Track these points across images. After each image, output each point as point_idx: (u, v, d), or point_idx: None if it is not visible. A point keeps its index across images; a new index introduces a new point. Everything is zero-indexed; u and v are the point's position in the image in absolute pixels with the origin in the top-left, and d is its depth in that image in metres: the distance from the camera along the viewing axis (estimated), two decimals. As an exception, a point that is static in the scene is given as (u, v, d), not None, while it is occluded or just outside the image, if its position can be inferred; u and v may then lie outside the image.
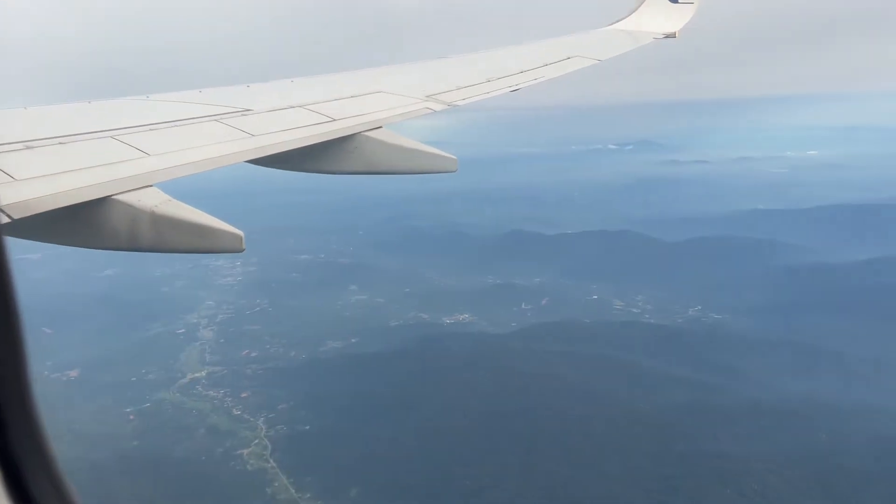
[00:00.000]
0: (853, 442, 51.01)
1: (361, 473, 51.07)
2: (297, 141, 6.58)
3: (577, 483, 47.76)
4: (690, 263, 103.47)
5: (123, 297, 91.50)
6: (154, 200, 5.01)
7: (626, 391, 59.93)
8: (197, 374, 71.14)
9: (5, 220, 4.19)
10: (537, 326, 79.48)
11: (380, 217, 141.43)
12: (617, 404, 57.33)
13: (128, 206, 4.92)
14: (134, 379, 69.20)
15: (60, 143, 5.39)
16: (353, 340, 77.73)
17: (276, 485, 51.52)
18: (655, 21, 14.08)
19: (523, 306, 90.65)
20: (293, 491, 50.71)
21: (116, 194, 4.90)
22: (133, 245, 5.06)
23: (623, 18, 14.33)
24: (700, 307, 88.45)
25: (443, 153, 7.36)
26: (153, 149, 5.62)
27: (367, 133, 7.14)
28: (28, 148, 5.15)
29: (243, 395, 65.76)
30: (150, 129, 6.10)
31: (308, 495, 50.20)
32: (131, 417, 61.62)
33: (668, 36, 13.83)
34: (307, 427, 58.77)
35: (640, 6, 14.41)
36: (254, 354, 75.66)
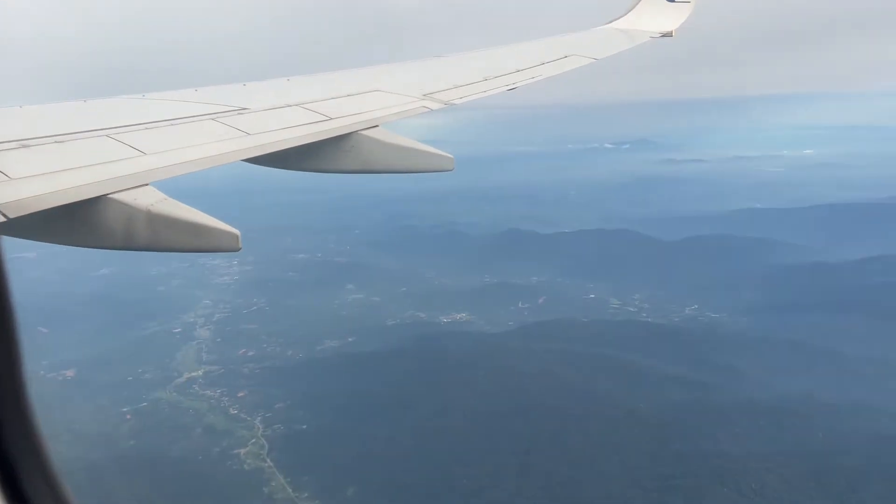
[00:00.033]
0: (850, 441, 51.10)
1: (358, 473, 51.06)
2: (294, 140, 6.56)
3: (575, 482, 47.81)
4: (687, 262, 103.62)
5: (120, 296, 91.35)
6: (150, 199, 5.00)
7: (623, 390, 59.98)
8: (194, 374, 71.05)
9: (1, 219, 4.17)
10: (534, 325, 79.53)
11: (377, 216, 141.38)
12: (615, 403, 57.38)
13: (124, 205, 4.90)
14: (130, 378, 69.09)
15: (56, 142, 5.37)
16: (350, 339, 77.69)
17: (273, 484, 51.49)
18: (652, 20, 14.08)
19: (520, 305, 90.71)
20: (290, 490, 50.68)
21: (112, 193, 4.89)
22: (129, 244, 5.05)
23: (620, 17, 14.33)
24: (697, 306, 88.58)
25: (440, 152, 7.35)
26: (149, 147, 5.60)
27: (363, 132, 7.13)
28: (24, 147, 5.13)
29: (240, 394, 65.69)
30: (147, 128, 6.09)
31: (305, 494, 50.18)
32: (128, 417, 61.52)
33: (664, 35, 13.83)
34: (304, 426, 58.74)
35: (636, 5, 14.41)
36: (251, 353, 75.59)
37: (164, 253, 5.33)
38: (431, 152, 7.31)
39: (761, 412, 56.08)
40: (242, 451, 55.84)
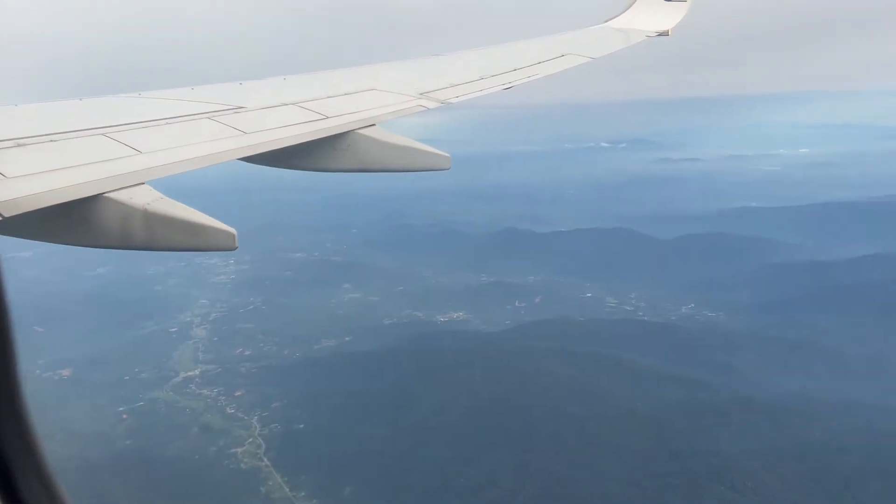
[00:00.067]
0: (847, 438, 51.27)
1: (356, 472, 51.09)
2: (290, 138, 6.55)
3: (572, 481, 47.85)
4: (684, 261, 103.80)
5: (116, 295, 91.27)
6: (146, 198, 4.98)
7: (620, 389, 60.08)
8: (190, 373, 71.00)
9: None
10: (531, 324, 79.60)
11: (373, 215, 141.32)
12: (612, 402, 57.47)
13: (120, 204, 4.89)
14: (127, 378, 69.03)
15: (52, 141, 5.35)
16: (346, 339, 77.69)
17: (271, 483, 51.48)
18: (648, 19, 14.07)
19: (517, 304, 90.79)
20: (287, 490, 50.68)
21: (108, 192, 4.87)
22: (125, 243, 5.03)
23: (616, 16, 14.32)
24: (693, 304, 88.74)
25: (436, 151, 7.34)
26: (145, 146, 5.58)
27: (360, 131, 7.12)
28: (19, 145, 5.12)
29: (237, 393, 65.66)
30: (143, 127, 6.07)
31: (302, 494, 50.17)
32: (124, 416, 61.45)
33: (661, 34, 13.82)
34: (301, 425, 58.72)
35: (633, 4, 14.40)
36: (247, 353, 75.55)
37: (161, 252, 5.31)
38: (428, 151, 7.30)
39: (758, 410, 56.23)
40: (239, 450, 55.81)
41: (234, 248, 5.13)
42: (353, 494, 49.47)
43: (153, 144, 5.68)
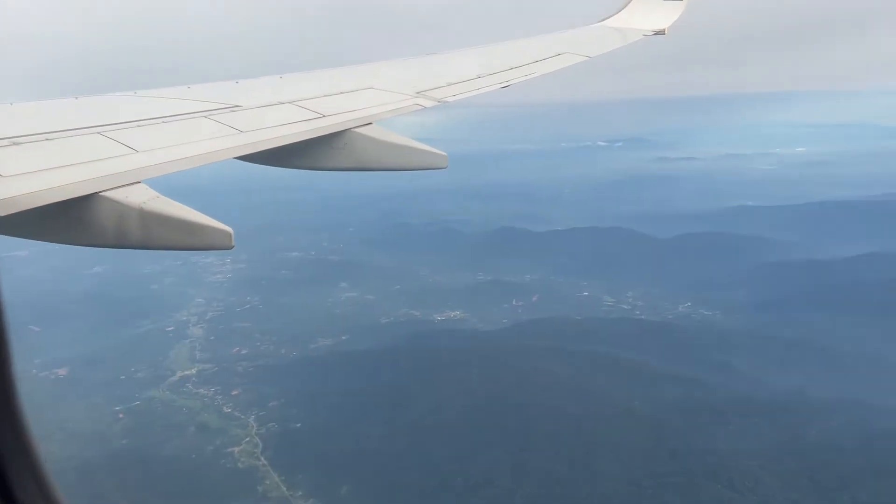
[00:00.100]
0: (843, 437, 51.37)
1: (353, 471, 51.08)
2: (287, 137, 6.54)
3: (569, 480, 47.90)
4: (681, 260, 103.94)
5: (112, 294, 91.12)
6: (142, 197, 4.97)
7: (617, 387, 60.14)
8: (187, 372, 70.89)
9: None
10: (528, 323, 79.63)
11: (370, 214, 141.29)
12: (608, 401, 57.51)
13: (116, 203, 4.88)
14: (123, 377, 68.91)
15: (47, 140, 5.34)
16: (343, 338, 77.64)
17: (268, 483, 51.43)
18: (645, 18, 14.10)
19: (514, 303, 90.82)
20: (284, 489, 50.64)
21: (104, 191, 4.86)
22: (121, 242, 5.02)
23: (613, 15, 14.34)
24: (690, 303, 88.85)
25: (433, 150, 7.34)
26: (141, 145, 5.57)
27: (356, 129, 7.12)
28: (15, 144, 5.10)
29: (234, 392, 65.58)
30: (139, 126, 6.06)
31: (299, 493, 50.14)
32: (121, 416, 61.35)
33: (657, 33, 13.85)
34: (298, 424, 58.68)
35: (629, 3, 14.43)
36: (244, 352, 75.46)
37: (157, 251, 5.30)
38: (425, 150, 7.30)
39: (755, 409, 56.32)
40: (236, 449, 55.75)
41: (231, 247, 5.12)
42: (351, 493, 49.45)
43: (149, 143, 5.67)
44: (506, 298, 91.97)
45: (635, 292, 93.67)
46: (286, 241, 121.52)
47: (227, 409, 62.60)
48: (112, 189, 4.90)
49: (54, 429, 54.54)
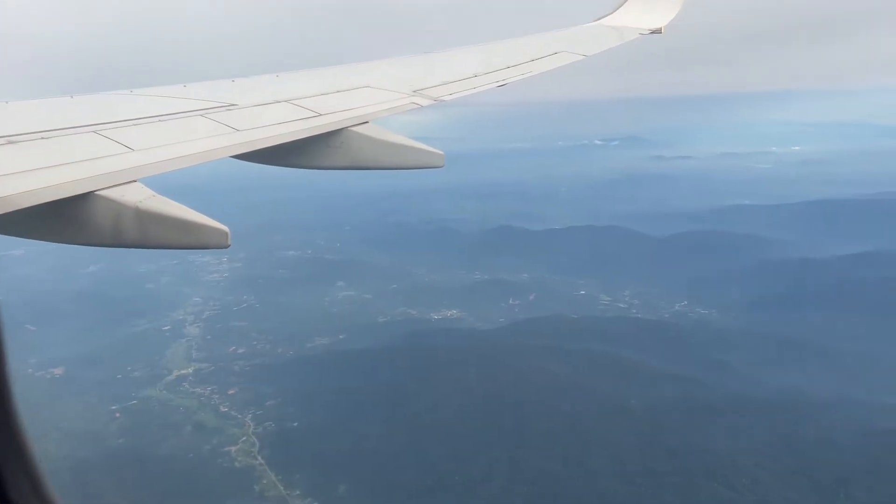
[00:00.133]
0: (840, 435, 51.47)
1: (350, 470, 51.06)
2: (283, 136, 6.53)
3: (566, 478, 47.95)
4: (677, 258, 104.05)
5: (108, 293, 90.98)
6: (138, 196, 4.96)
7: (614, 386, 60.21)
8: (183, 371, 70.80)
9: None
10: (525, 322, 79.68)
11: (367, 213, 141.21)
12: (605, 399, 57.58)
13: (111, 202, 4.86)
14: (119, 376, 68.78)
15: (43, 138, 5.33)
16: (340, 337, 77.60)
17: (265, 482, 51.39)
18: (641, 17, 14.10)
19: (511, 302, 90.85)
20: (282, 488, 50.60)
21: (100, 190, 4.85)
22: (117, 241, 5.01)
23: (609, 14, 14.35)
24: (686, 302, 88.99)
25: (429, 148, 7.33)
26: (137, 144, 5.56)
27: (353, 128, 7.11)
28: (10, 143, 5.09)
29: (230, 391, 65.50)
30: (135, 124, 6.04)
31: (297, 492, 50.12)
32: (117, 415, 61.25)
33: (653, 32, 13.85)
34: (295, 424, 58.65)
35: (626, 2, 14.43)
36: (241, 351, 75.39)
37: (153, 250, 5.29)
38: (421, 149, 7.29)
39: (752, 407, 56.41)
40: (233, 448, 55.70)
41: (227, 246, 5.11)
42: (348, 492, 49.45)
43: (145, 142, 5.65)
44: (503, 297, 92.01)
45: (632, 291, 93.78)
46: (283, 240, 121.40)
47: (223, 409, 62.53)
48: (108, 188, 4.88)
49: (50, 428, 54.44)
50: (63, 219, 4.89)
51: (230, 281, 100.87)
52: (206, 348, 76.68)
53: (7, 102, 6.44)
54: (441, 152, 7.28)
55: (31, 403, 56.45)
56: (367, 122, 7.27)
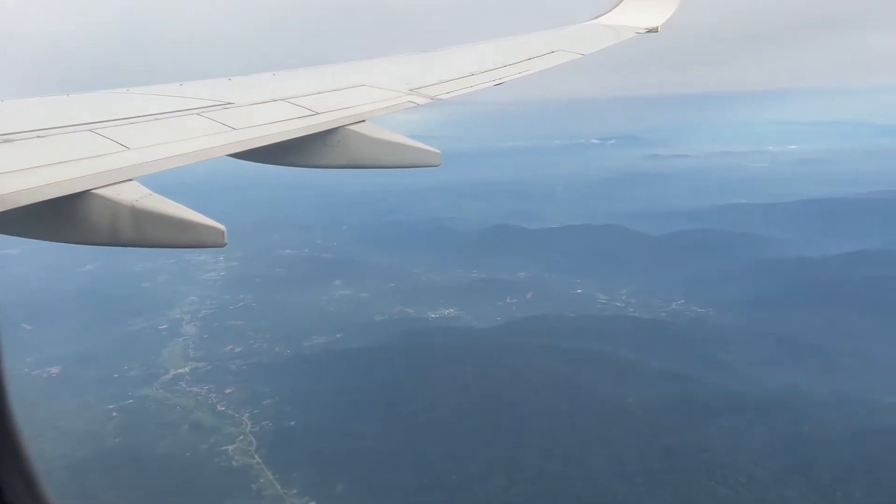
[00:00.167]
0: (836, 433, 51.57)
1: (348, 469, 51.04)
2: (280, 135, 6.52)
3: (563, 477, 47.97)
4: (674, 257, 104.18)
5: (105, 292, 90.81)
6: (134, 195, 4.95)
7: (610, 385, 60.24)
8: (180, 370, 70.69)
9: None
10: (522, 321, 79.69)
11: (364, 212, 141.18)
12: (602, 398, 57.61)
13: (108, 201, 4.85)
14: (116, 375, 68.66)
15: (39, 137, 5.31)
16: (338, 335, 77.56)
17: (262, 481, 51.34)
18: (638, 16, 14.11)
19: (508, 300, 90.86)
20: (279, 487, 50.57)
21: (96, 188, 4.84)
22: (113, 240, 5.00)
23: (606, 13, 14.35)
24: (683, 301, 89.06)
25: (426, 147, 7.32)
26: (133, 142, 5.55)
27: (350, 127, 7.10)
28: (6, 141, 5.07)
29: (227, 390, 65.43)
30: (131, 123, 6.03)
31: (294, 491, 50.08)
32: (114, 414, 61.15)
33: (650, 30, 13.86)
34: (293, 423, 58.61)
35: (622, 1, 14.44)
36: (238, 350, 75.30)
37: (150, 249, 5.28)
38: (418, 147, 7.29)
39: (748, 406, 56.47)
40: (230, 447, 55.63)
41: (224, 245, 5.10)
42: (345, 491, 49.43)
43: (141, 140, 5.64)
44: (500, 296, 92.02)
45: (628, 289, 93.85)
46: (280, 239, 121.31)
47: (220, 408, 62.46)
48: (104, 186, 4.88)
49: (47, 427, 54.31)
50: (59, 217, 4.89)
51: (227, 280, 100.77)
52: (203, 347, 76.58)
53: (3, 101, 6.43)
54: (438, 151, 7.28)
55: (28, 403, 56.33)
56: (364, 121, 7.26)
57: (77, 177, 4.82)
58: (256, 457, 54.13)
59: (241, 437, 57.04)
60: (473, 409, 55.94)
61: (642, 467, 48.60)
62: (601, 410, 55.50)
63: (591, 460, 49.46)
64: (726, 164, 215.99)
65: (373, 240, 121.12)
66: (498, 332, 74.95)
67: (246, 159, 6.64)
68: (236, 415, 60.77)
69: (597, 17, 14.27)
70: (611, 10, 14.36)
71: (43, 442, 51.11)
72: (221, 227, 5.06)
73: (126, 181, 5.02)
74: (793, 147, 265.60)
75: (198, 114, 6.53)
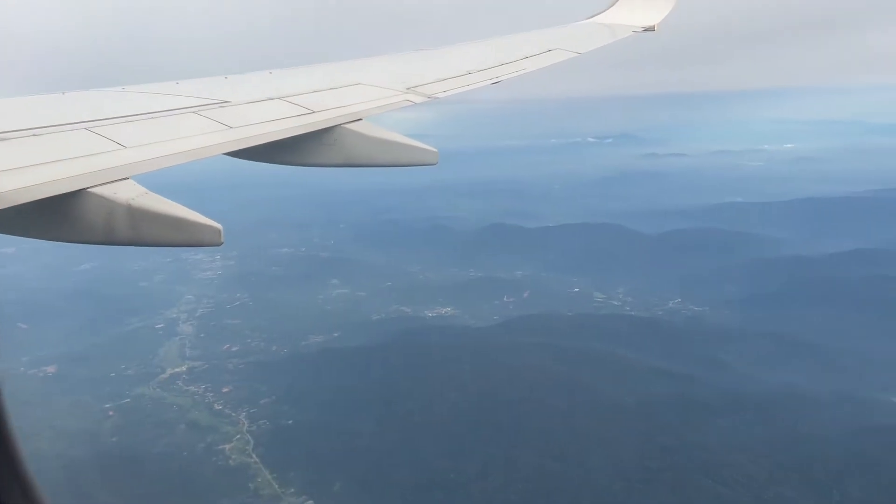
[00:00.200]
0: (833, 432, 51.67)
1: (345, 468, 51.04)
2: (276, 133, 6.51)
3: (561, 475, 48.02)
4: (670, 256, 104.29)
5: (101, 291, 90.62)
6: (131, 193, 4.94)
7: (608, 383, 60.30)
8: (177, 369, 70.61)
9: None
10: (519, 319, 79.72)
11: (360, 210, 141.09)
12: (599, 396, 57.68)
13: (104, 199, 4.84)
14: (112, 374, 68.56)
15: (34, 135, 5.29)
16: (334, 334, 77.54)
17: (259, 480, 51.32)
18: (634, 14, 14.12)
19: (505, 299, 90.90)
20: (276, 486, 50.55)
21: (92, 187, 4.82)
22: (110, 239, 4.99)
23: (602, 12, 14.37)
24: (680, 299, 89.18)
25: (423, 145, 7.31)
26: (129, 141, 5.53)
27: (346, 125, 7.08)
28: (1, 140, 5.06)
29: (224, 389, 65.37)
30: (127, 121, 6.01)
31: (291, 490, 50.06)
32: (110, 413, 61.05)
33: (647, 29, 13.87)
34: (290, 422, 58.58)
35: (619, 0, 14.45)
36: (235, 349, 75.23)
37: (146, 247, 5.27)
38: (415, 146, 7.28)
39: (745, 404, 56.55)
40: (227, 446, 55.59)
41: (220, 244, 5.09)
42: (343, 490, 49.43)
43: (137, 139, 5.63)
44: (497, 295, 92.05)
45: (625, 288, 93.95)
46: (276, 238, 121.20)
47: (217, 407, 62.40)
48: (100, 185, 4.86)
49: (43, 427, 54.19)
50: (55, 216, 4.87)
51: (224, 279, 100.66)
52: (200, 346, 76.50)
53: (-2, 99, 6.41)
54: (435, 149, 7.27)
55: (24, 402, 56.22)
56: (360, 120, 7.25)
57: (73, 175, 4.80)
58: (254, 456, 54.10)
59: (239, 436, 57.00)
60: (470, 408, 55.97)
61: (640, 466, 48.67)
62: (598, 409, 55.55)
63: (589, 459, 49.51)
64: (723, 163, 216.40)
65: (369, 238, 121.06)
66: (495, 331, 74.97)
67: (242, 158, 6.63)
68: (233, 414, 60.73)
69: (593, 16, 14.28)
70: (607, 9, 14.37)
71: (39, 441, 51.01)
72: (218, 225, 5.05)
73: (122, 180, 5.01)
74: (789, 146, 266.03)
75: (194, 112, 6.52)
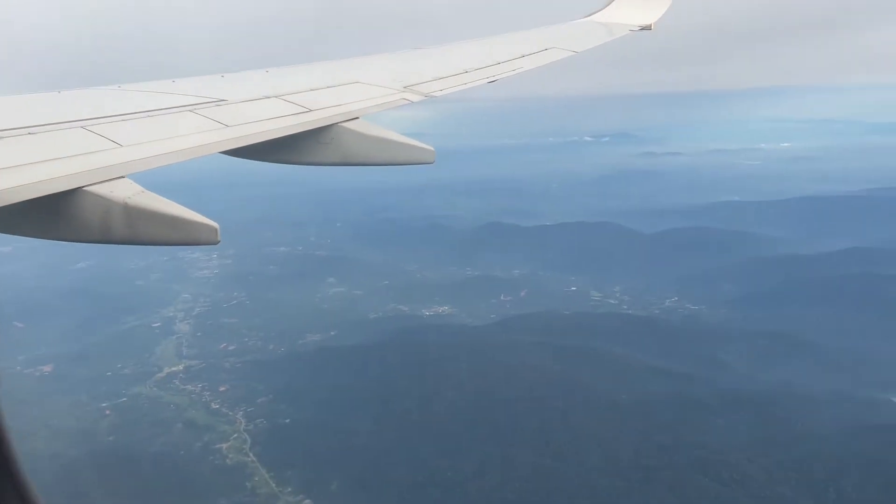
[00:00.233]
0: (829, 430, 51.81)
1: (342, 466, 51.05)
2: (273, 132, 6.50)
3: (558, 474, 48.09)
4: (667, 255, 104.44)
5: (97, 290, 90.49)
6: (127, 192, 4.92)
7: (605, 382, 60.38)
8: (174, 368, 70.55)
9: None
10: (516, 318, 79.80)
11: (357, 209, 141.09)
12: (596, 395, 57.75)
13: (100, 198, 4.83)
14: (109, 373, 68.47)
15: (30, 134, 5.28)
16: (332, 333, 77.54)
17: (257, 479, 51.31)
18: (631, 13, 14.11)
19: (502, 298, 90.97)
20: (273, 485, 50.53)
21: (88, 185, 4.81)
22: (106, 237, 4.97)
23: (599, 10, 14.36)
24: (676, 298, 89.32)
25: (420, 144, 7.30)
26: (126, 139, 5.52)
27: (343, 124, 7.07)
28: (-3, 138, 5.05)
29: (221, 388, 65.33)
30: (123, 120, 6.00)
31: (289, 489, 50.06)
32: (107, 412, 60.98)
33: (643, 28, 13.87)
34: (287, 420, 58.57)
35: (616, -2, 14.44)
36: (232, 348, 75.18)
37: (143, 246, 5.26)
38: (412, 145, 7.27)
39: (742, 403, 56.67)
40: (225, 445, 55.57)
41: (217, 243, 5.08)
42: (340, 489, 49.44)
43: (134, 137, 5.61)
44: (494, 293, 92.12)
45: (622, 287, 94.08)
46: (273, 237, 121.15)
47: (214, 406, 62.36)
48: (96, 184, 4.85)
49: (39, 426, 54.14)
50: (51, 215, 4.86)
51: (220, 277, 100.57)
52: (197, 345, 76.44)
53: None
54: (432, 148, 7.26)
55: (20, 401, 56.13)
56: (357, 118, 7.23)
57: (69, 174, 4.79)
58: (251, 455, 54.10)
59: (236, 435, 56.97)
60: (467, 407, 56.01)
61: (637, 464, 48.75)
62: (596, 408, 55.64)
63: (586, 458, 49.59)
64: (719, 162, 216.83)
65: (367, 237, 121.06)
66: (492, 330, 75.03)
67: (239, 156, 6.62)
68: (230, 413, 60.70)
69: (590, 15, 14.27)
70: (604, 8, 14.37)
71: (35, 441, 50.97)
72: (215, 224, 5.04)
73: (118, 178, 4.99)
74: (785, 145, 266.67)
75: (191, 111, 6.50)
